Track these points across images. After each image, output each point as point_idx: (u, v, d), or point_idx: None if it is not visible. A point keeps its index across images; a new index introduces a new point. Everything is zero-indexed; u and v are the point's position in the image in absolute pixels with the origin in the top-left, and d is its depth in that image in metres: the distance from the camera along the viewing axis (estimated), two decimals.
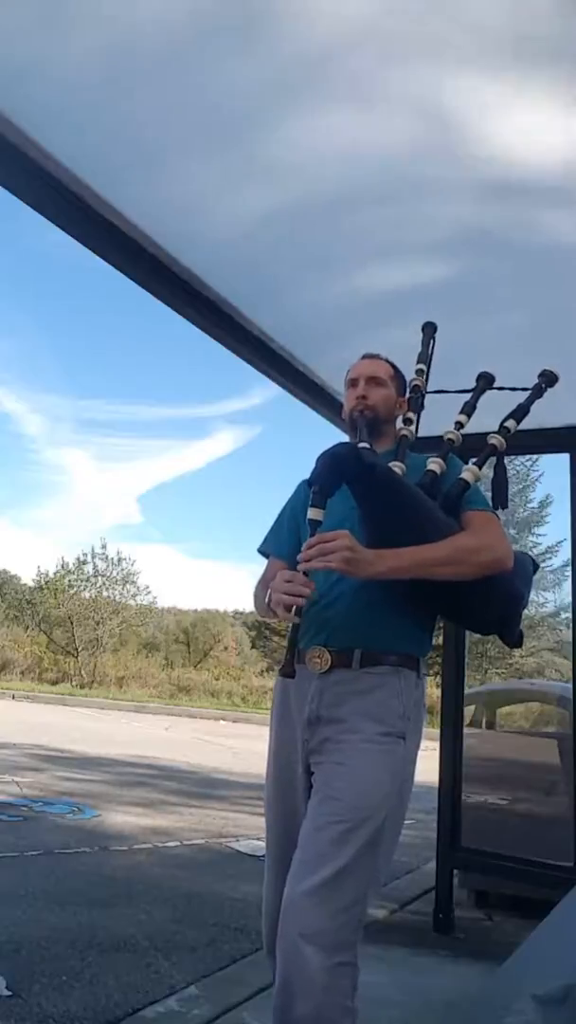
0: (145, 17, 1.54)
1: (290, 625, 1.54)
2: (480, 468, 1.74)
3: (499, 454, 1.81)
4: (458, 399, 1.93)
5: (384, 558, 1.52)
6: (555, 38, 1.52)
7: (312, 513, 1.52)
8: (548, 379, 1.87)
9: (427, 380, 1.96)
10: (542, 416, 3.13)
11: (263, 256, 2.34)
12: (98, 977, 2.54)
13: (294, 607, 1.51)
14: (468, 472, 1.70)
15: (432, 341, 2.02)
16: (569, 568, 16.45)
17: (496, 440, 1.80)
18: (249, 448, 49.48)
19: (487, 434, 1.81)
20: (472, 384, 1.94)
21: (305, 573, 1.53)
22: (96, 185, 1.99)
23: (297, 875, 1.48)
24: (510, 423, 1.83)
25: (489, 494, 1.79)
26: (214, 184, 2.02)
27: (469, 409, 1.88)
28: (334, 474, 1.52)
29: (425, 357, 1.98)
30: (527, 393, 1.86)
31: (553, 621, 18.72)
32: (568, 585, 18.34)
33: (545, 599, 18.78)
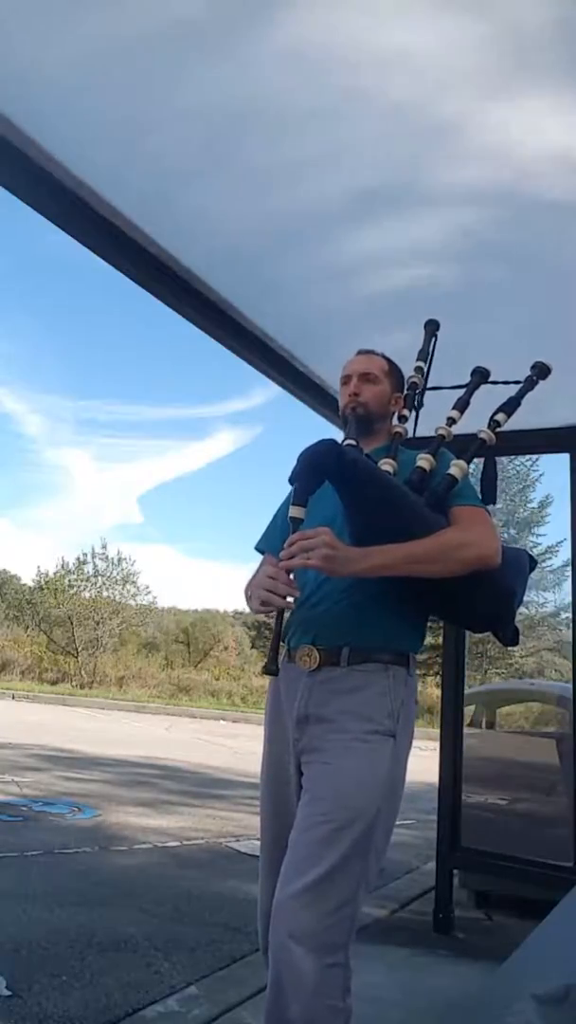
0: (146, 17, 1.54)
1: (274, 622, 1.53)
2: (468, 463, 1.71)
3: (488, 448, 1.79)
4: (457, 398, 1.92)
5: (368, 555, 1.51)
6: (551, 43, 1.52)
7: (293, 511, 1.51)
8: (540, 371, 1.84)
9: (426, 378, 1.95)
10: (542, 416, 3.14)
11: (263, 256, 2.34)
12: (98, 977, 2.54)
13: (273, 605, 1.51)
14: (455, 467, 1.67)
15: (434, 339, 2.00)
16: (569, 568, 16.46)
17: (485, 435, 1.77)
18: (249, 448, 49.57)
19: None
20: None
21: (290, 572, 1.52)
22: (96, 185, 1.99)
23: (286, 877, 1.48)
24: (500, 416, 1.80)
25: (479, 489, 1.77)
26: (215, 184, 2.02)
27: (462, 405, 1.85)
28: (313, 471, 1.51)
29: (426, 355, 1.97)
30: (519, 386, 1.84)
31: (553, 621, 18.73)
32: (568, 585, 18.37)
33: (545, 599, 18.80)
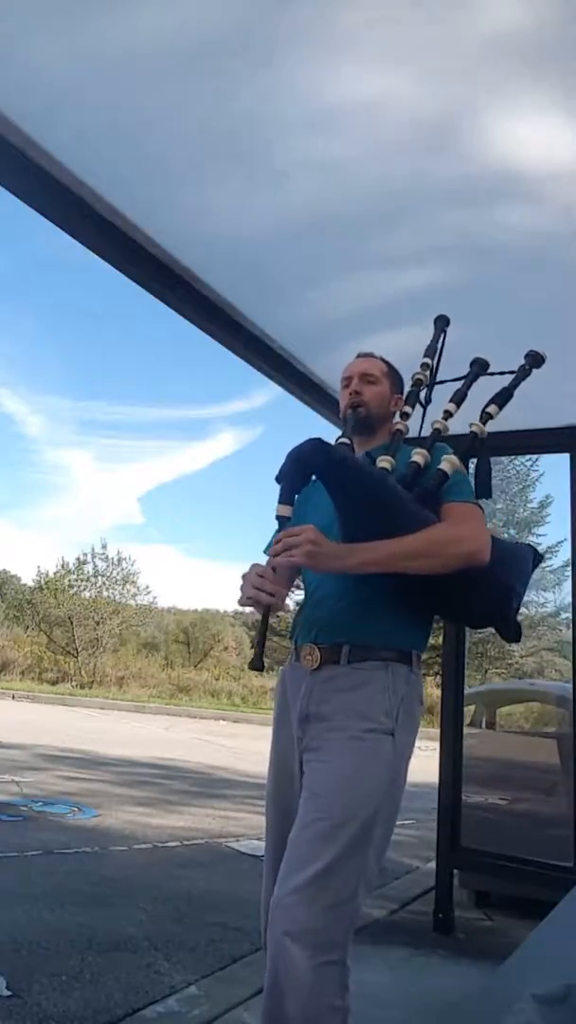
0: (148, 19, 1.54)
1: (260, 619, 1.57)
2: (463, 458, 1.70)
3: (481, 442, 1.76)
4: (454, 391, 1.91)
5: (354, 552, 1.51)
6: (554, 46, 1.52)
7: (279, 510, 1.53)
8: (534, 360, 1.81)
9: (434, 374, 1.93)
10: (542, 416, 3.14)
11: (264, 257, 2.33)
12: (98, 977, 2.54)
13: (260, 603, 1.55)
14: (446, 462, 1.65)
15: (443, 335, 1.96)
16: (569, 568, 16.44)
17: (477, 427, 1.76)
18: (250, 449, 49.51)
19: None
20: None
21: (274, 569, 1.55)
22: (97, 186, 1.99)
23: (284, 873, 1.48)
24: (492, 408, 1.78)
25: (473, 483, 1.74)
26: (215, 185, 2.02)
27: (459, 398, 1.83)
28: (298, 470, 1.52)
29: (433, 350, 1.93)
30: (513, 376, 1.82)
31: (553, 621, 18.70)
32: (568, 585, 18.33)
33: (545, 599, 18.77)
